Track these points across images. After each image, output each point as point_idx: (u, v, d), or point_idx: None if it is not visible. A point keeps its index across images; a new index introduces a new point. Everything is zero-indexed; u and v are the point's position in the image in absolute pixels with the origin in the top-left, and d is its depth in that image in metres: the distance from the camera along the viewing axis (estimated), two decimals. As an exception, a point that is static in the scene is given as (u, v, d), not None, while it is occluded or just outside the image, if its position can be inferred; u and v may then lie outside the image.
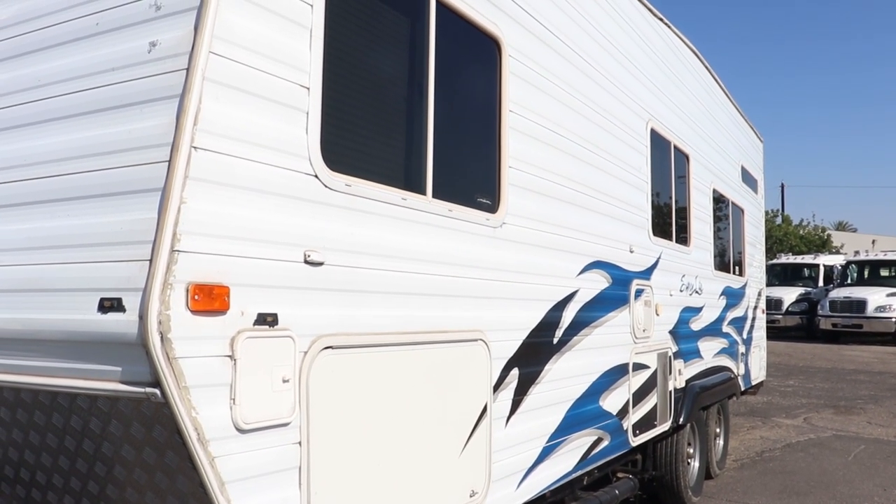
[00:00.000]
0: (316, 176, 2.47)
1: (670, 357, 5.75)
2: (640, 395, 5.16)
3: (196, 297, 2.04)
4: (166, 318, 1.97)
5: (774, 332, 21.50)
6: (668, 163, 5.98)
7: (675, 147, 6.12)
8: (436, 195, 3.07)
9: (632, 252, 5.06)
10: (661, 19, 5.83)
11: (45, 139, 2.41)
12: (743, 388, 8.37)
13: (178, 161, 2.04)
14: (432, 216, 3.04)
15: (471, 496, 3.24)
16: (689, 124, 6.50)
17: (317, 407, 2.43)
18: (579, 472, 4.38)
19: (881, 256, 26.15)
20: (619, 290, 4.84)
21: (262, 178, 2.27)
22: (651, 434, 5.40)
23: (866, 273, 25.51)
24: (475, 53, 3.49)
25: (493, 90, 3.55)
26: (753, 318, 8.98)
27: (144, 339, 1.95)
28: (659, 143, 5.70)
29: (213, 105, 2.13)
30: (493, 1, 3.49)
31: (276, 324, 2.30)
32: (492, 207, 3.49)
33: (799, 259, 29.26)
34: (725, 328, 7.59)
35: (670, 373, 5.72)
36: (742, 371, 8.25)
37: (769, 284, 20.89)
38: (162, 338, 1.96)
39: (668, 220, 5.97)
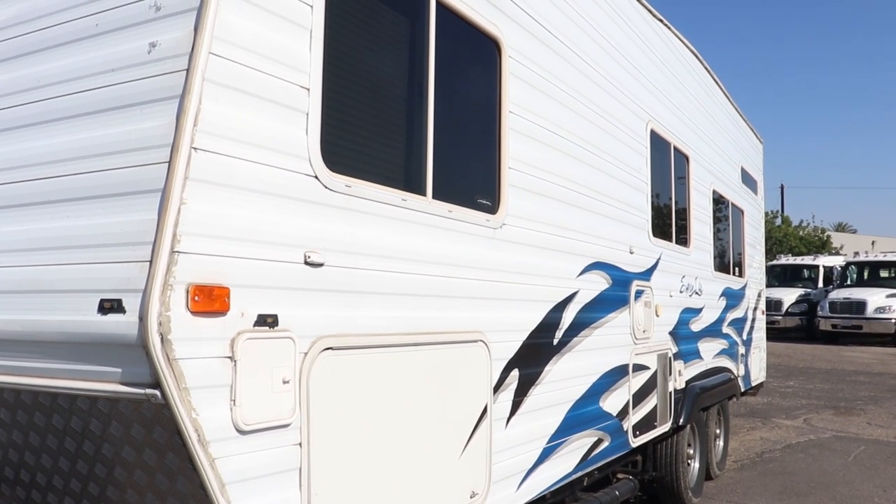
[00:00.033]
0: (316, 177, 2.47)
1: (670, 358, 5.75)
2: (640, 396, 5.16)
3: (196, 298, 2.04)
4: (166, 319, 1.97)
5: (774, 333, 21.52)
6: (667, 164, 5.98)
7: (675, 148, 6.12)
8: (436, 196, 3.07)
9: (632, 253, 5.06)
10: (660, 20, 5.83)
11: (45, 140, 2.41)
12: (743, 389, 8.37)
13: (177, 162, 2.04)
14: (432, 217, 3.04)
15: (471, 497, 3.24)
16: (688, 125, 6.50)
17: (317, 408, 2.43)
18: (579, 473, 4.38)
19: (881, 257, 26.16)
20: (618, 291, 4.84)
21: (261, 179, 2.27)
22: (651, 435, 5.40)
23: (866, 274, 25.51)
24: (475, 54, 3.49)
25: (492, 91, 3.55)
26: (753, 319, 8.98)
27: (144, 340, 1.95)
28: (659, 144, 5.70)
29: (212, 106, 2.12)
30: (493, 2, 3.49)
31: (277, 325, 2.30)
32: (492, 208, 3.49)
33: (799, 260, 29.27)
34: (725, 329, 7.59)
35: (670, 374, 5.72)
36: (742, 372, 8.25)
37: (769, 285, 20.91)
38: (162, 339, 1.96)
39: (668, 221, 5.97)
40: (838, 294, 23.95)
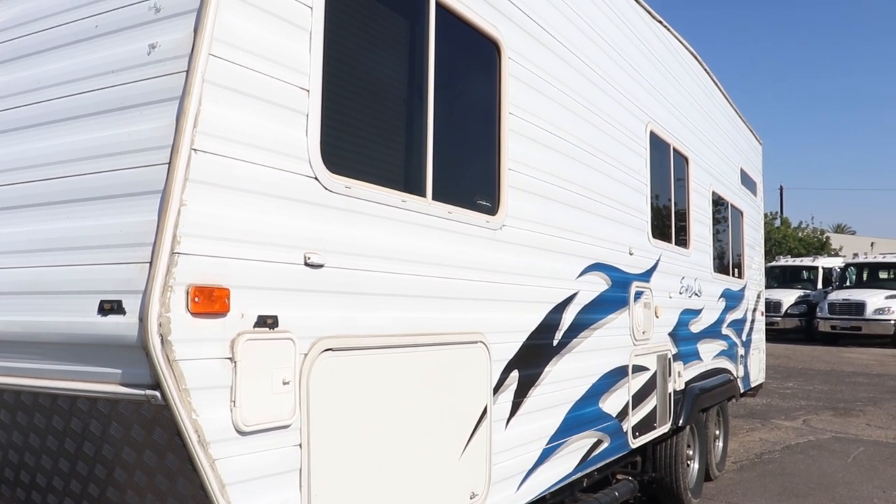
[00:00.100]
0: (316, 178, 2.47)
1: (670, 359, 5.75)
2: (639, 397, 5.16)
3: (196, 299, 2.04)
4: (166, 320, 1.97)
5: (773, 335, 21.52)
6: (667, 165, 5.98)
7: (675, 149, 6.12)
8: (435, 197, 3.07)
9: (631, 254, 5.07)
10: (659, 21, 5.84)
11: (44, 141, 2.41)
12: (742, 390, 8.37)
13: (177, 163, 2.04)
14: (432, 218, 3.04)
15: (471, 498, 3.24)
16: (688, 127, 6.51)
17: (317, 409, 2.43)
18: (579, 474, 4.38)
19: (880, 259, 26.17)
20: (618, 293, 4.84)
21: (261, 180, 2.27)
22: (651, 436, 5.40)
23: (865, 275, 25.53)
24: (475, 56, 3.50)
25: (492, 92, 3.55)
26: (752, 321, 8.98)
27: (144, 341, 1.95)
28: (658, 146, 5.71)
29: (212, 107, 2.13)
30: (492, 3, 3.49)
31: (277, 326, 2.30)
32: (491, 210, 3.49)
33: (798, 261, 29.29)
34: (725, 330, 7.59)
35: (670, 375, 5.72)
36: (741, 373, 8.25)
37: (768, 287, 20.93)
38: (162, 340, 1.96)
39: (668, 223, 5.97)
40: (837, 295, 23.96)
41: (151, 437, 2.17)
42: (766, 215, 24.30)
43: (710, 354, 6.99)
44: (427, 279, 2.99)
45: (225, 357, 2.13)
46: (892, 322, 22.62)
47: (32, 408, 2.40)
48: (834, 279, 26.35)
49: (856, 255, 27.77)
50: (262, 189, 2.27)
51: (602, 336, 4.58)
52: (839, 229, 58.03)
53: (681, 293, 6.12)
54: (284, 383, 2.31)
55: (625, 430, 4.95)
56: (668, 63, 6.04)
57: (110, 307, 2.04)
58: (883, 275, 25.36)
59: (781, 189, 46.28)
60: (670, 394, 5.72)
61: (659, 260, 5.60)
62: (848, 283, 25.29)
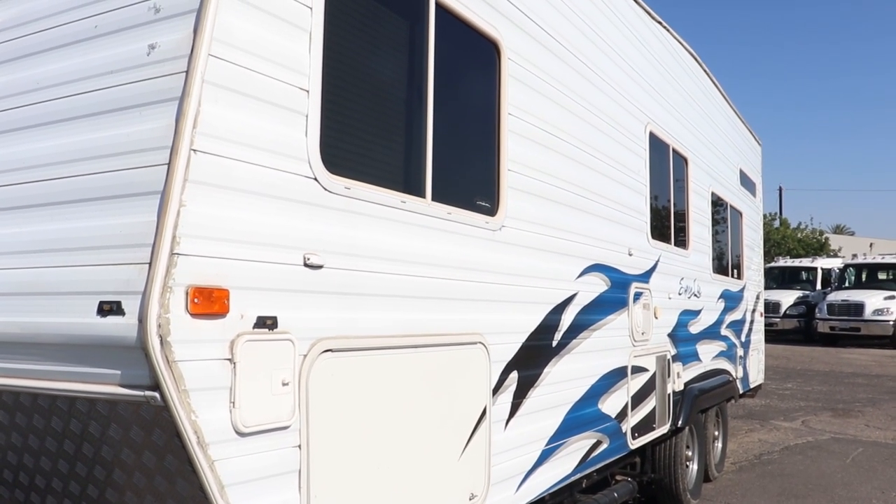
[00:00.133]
0: (315, 179, 2.47)
1: (669, 360, 5.75)
2: (638, 398, 5.16)
3: (195, 300, 2.03)
4: (166, 321, 1.96)
5: (772, 335, 21.51)
6: (666, 166, 5.98)
7: (674, 150, 6.12)
8: (435, 198, 3.07)
9: (630, 255, 5.07)
10: (658, 22, 5.84)
11: (44, 142, 2.40)
12: (741, 391, 8.37)
13: (177, 164, 2.04)
14: (431, 219, 3.04)
15: (470, 499, 3.23)
16: (687, 127, 6.51)
17: (316, 410, 2.43)
18: (578, 475, 4.38)
19: (879, 260, 26.18)
20: (617, 294, 4.84)
21: (261, 181, 2.27)
22: (650, 437, 5.40)
23: (864, 276, 25.54)
24: (474, 56, 3.49)
25: (492, 93, 3.55)
26: (752, 321, 8.98)
27: (144, 342, 1.95)
28: (657, 147, 5.71)
29: (212, 108, 2.12)
30: (492, 4, 3.49)
31: (276, 327, 2.29)
32: (491, 210, 3.49)
33: (797, 262, 29.32)
34: (724, 331, 7.60)
35: (669, 376, 5.72)
36: (740, 374, 8.25)
37: (767, 287, 20.94)
38: (161, 341, 1.95)
39: (667, 224, 5.97)
40: (836, 296, 23.97)
41: (150, 439, 2.16)
42: (765, 216, 24.31)
43: (709, 355, 6.99)
44: (426, 280, 2.99)
45: (224, 358, 2.12)
46: (891, 323, 22.63)
47: (31, 409, 2.40)
48: (833, 280, 26.36)
49: (855, 255, 27.79)
50: (261, 190, 2.27)
51: (601, 337, 4.58)
52: (838, 230, 58.11)
53: (680, 294, 6.12)
54: (284, 384, 2.31)
55: (624, 430, 4.95)
56: (668, 63, 6.04)
57: (109, 308, 2.03)
58: (882, 275, 25.38)
59: (780, 190, 46.34)
60: (669, 395, 5.72)
61: (658, 261, 5.60)
62: (847, 284, 25.30)
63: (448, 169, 3.23)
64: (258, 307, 2.24)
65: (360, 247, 2.65)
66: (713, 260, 7.26)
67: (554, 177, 4.03)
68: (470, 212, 3.31)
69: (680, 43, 6.41)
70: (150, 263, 2.00)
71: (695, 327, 6.54)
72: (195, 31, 2.13)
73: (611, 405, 4.75)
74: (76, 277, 2.15)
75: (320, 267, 2.47)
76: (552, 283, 4.00)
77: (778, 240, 38.17)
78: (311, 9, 2.48)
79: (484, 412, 3.33)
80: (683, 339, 6.19)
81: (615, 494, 5.02)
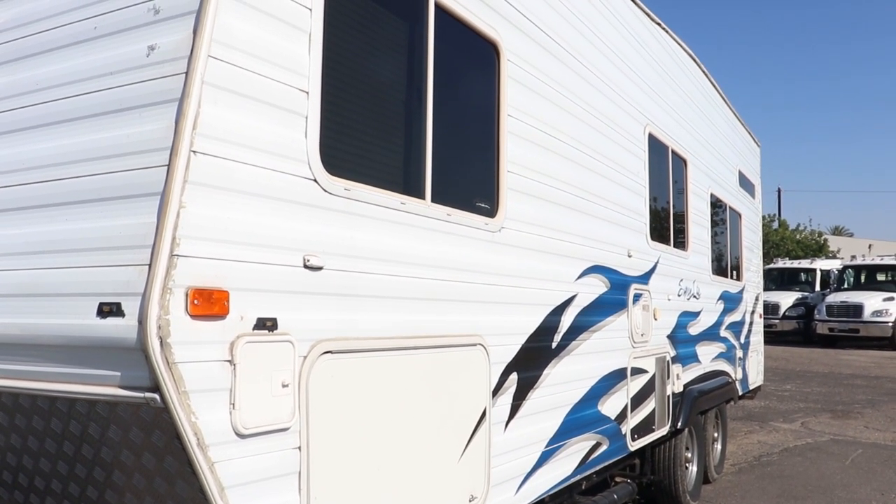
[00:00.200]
0: (315, 180, 2.47)
1: (668, 361, 5.75)
2: (638, 400, 5.16)
3: (195, 301, 2.03)
4: (166, 322, 1.96)
5: (771, 337, 21.53)
6: (665, 167, 5.98)
7: (673, 152, 6.13)
8: (435, 199, 3.07)
9: (630, 256, 5.07)
10: (658, 23, 5.84)
11: (43, 143, 2.40)
12: (741, 393, 8.37)
13: (177, 165, 2.04)
14: (431, 220, 3.03)
15: (470, 500, 3.23)
16: (686, 129, 6.51)
17: (316, 412, 2.43)
18: (578, 477, 4.37)
19: (877, 261, 26.18)
20: (617, 295, 4.84)
21: (261, 182, 2.27)
22: (649, 438, 5.40)
23: (863, 277, 25.54)
24: (474, 58, 3.49)
25: (491, 94, 3.55)
26: (751, 323, 8.98)
27: (144, 343, 1.94)
28: (657, 148, 5.71)
29: (212, 109, 2.12)
30: (491, 5, 3.49)
31: (276, 328, 2.29)
32: (490, 212, 3.49)
33: (796, 264, 29.31)
34: (723, 332, 7.60)
35: (668, 377, 5.72)
36: (740, 375, 8.25)
37: (766, 289, 20.94)
38: (161, 342, 1.95)
39: (666, 225, 5.97)
40: (835, 297, 23.97)
41: (150, 440, 2.16)
42: (764, 217, 24.33)
43: (708, 357, 6.99)
44: (426, 281, 2.98)
45: (224, 359, 2.12)
46: (890, 324, 22.63)
47: (31, 410, 2.40)
48: (832, 281, 26.37)
49: (854, 257, 27.79)
50: (261, 191, 2.27)
51: (601, 338, 4.58)
52: (837, 231, 58.17)
53: (679, 295, 6.12)
54: (284, 386, 2.31)
55: (623, 432, 4.94)
56: (667, 65, 6.04)
57: (109, 309, 2.03)
58: (881, 277, 25.39)
59: (779, 191, 46.39)
60: (669, 396, 5.72)
61: (657, 262, 5.60)
62: (846, 286, 25.29)
63: (448, 170, 3.23)
64: (258, 309, 2.24)
65: (360, 248, 2.65)
66: (712, 261, 7.27)
67: (553, 178, 4.03)
68: (469, 213, 3.31)
69: (679, 44, 6.42)
70: (149, 265, 2.00)
71: (694, 329, 6.54)
72: (195, 32, 2.13)
73: (610, 407, 4.74)
74: (76, 279, 2.15)
75: (320, 268, 2.47)
76: (552, 284, 4.00)
77: (777, 241, 38.19)
78: (310, 10, 2.48)
79: (484, 414, 3.33)
80: (683, 341, 6.19)
81: (615, 496, 5.02)
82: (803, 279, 27.39)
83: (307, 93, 2.45)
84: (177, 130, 2.07)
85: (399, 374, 2.82)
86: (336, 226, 2.54)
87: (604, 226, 4.68)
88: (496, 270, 3.47)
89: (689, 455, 6.54)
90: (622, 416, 4.91)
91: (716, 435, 7.55)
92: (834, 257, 34.46)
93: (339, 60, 2.66)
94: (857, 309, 23.03)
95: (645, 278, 5.33)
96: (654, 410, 5.44)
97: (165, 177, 2.05)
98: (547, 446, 3.97)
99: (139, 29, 2.27)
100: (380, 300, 2.74)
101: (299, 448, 2.37)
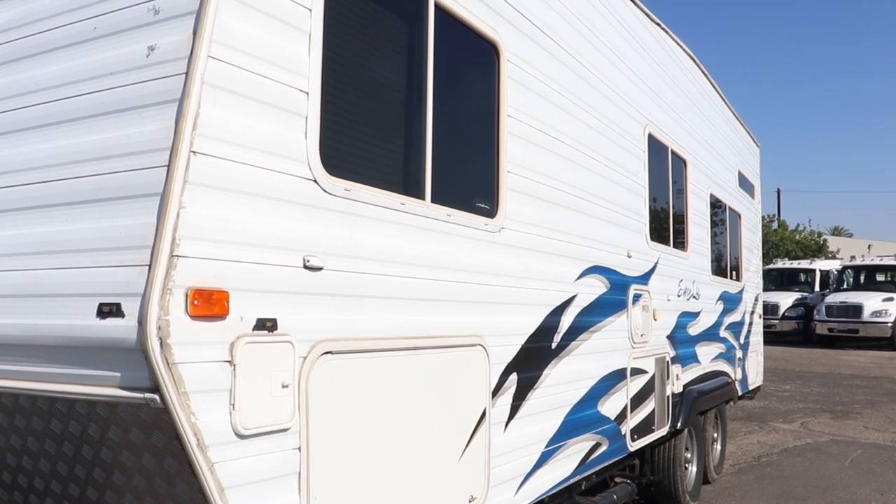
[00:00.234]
0: (315, 181, 2.47)
1: (668, 362, 5.75)
2: (637, 400, 5.16)
3: (195, 302, 2.03)
4: (165, 323, 1.96)
5: (771, 337, 21.53)
6: (665, 168, 5.98)
7: (673, 152, 6.13)
8: (434, 200, 3.07)
9: (629, 257, 5.07)
10: (657, 23, 5.84)
11: (43, 143, 2.40)
12: (740, 393, 8.37)
13: (177, 166, 2.04)
14: (431, 221, 3.03)
15: (470, 501, 3.23)
16: (686, 129, 6.51)
17: (316, 412, 2.43)
18: (578, 477, 4.37)
19: (877, 261, 26.18)
20: (616, 295, 4.84)
21: (261, 182, 2.27)
22: (649, 439, 5.40)
23: (862, 278, 25.55)
24: (474, 58, 3.49)
25: (491, 95, 3.55)
26: (750, 323, 8.99)
27: (143, 344, 1.94)
28: (656, 148, 5.71)
29: (211, 109, 2.12)
30: (491, 6, 3.49)
31: (276, 329, 2.29)
32: (490, 212, 3.49)
33: (795, 264, 29.31)
34: (723, 333, 7.60)
35: (668, 378, 5.72)
36: (739, 376, 8.25)
37: (766, 289, 20.94)
38: (161, 343, 1.95)
39: (666, 225, 5.98)
40: (835, 298, 23.97)
41: (150, 441, 2.16)
42: (763, 218, 24.34)
43: (708, 357, 6.99)
44: (426, 282, 2.98)
45: (224, 360, 2.12)
46: (890, 324, 22.63)
47: (31, 411, 2.40)
48: (831, 282, 26.37)
49: (853, 257, 27.79)
50: (261, 191, 2.27)
51: (600, 339, 4.58)
52: (836, 232, 58.16)
53: (679, 296, 6.12)
54: (283, 386, 2.31)
55: (623, 432, 4.94)
56: (666, 65, 6.05)
57: (109, 310, 2.03)
58: (880, 277, 25.40)
59: (779, 191, 46.42)
60: (668, 397, 5.72)
61: (657, 262, 5.60)
62: (845, 286, 25.30)
63: (447, 171, 3.23)
64: (258, 309, 2.24)
65: (360, 248, 2.65)
66: (712, 262, 7.27)
67: (553, 178, 4.03)
68: (469, 213, 3.31)
69: (678, 44, 6.42)
70: (149, 265, 1.99)
71: (694, 329, 6.54)
72: (195, 32, 2.13)
73: (610, 407, 4.74)
74: (76, 279, 2.15)
75: (320, 269, 2.47)
76: (551, 284, 4.00)
77: (776, 241, 38.19)
78: (310, 10, 2.48)
79: (483, 414, 3.33)
80: (682, 341, 6.19)
81: (614, 496, 5.02)
82: (803, 279, 27.39)
83: (307, 93, 2.45)
84: (177, 131, 2.07)
85: (399, 374, 2.82)
86: (336, 226, 2.54)
87: (603, 226, 4.68)
88: (496, 271, 3.47)
89: (689, 455, 6.54)
90: (622, 417, 4.91)
91: (715, 435, 7.55)
92: (833, 258, 34.47)
93: (339, 61, 2.66)
94: (857, 309, 23.03)
95: (644, 279, 5.33)
96: (653, 411, 5.44)
97: (165, 177, 2.05)
98: (547, 447, 3.97)
99: (139, 29, 2.27)
100: (380, 301, 2.74)
101: (299, 448, 2.37)
